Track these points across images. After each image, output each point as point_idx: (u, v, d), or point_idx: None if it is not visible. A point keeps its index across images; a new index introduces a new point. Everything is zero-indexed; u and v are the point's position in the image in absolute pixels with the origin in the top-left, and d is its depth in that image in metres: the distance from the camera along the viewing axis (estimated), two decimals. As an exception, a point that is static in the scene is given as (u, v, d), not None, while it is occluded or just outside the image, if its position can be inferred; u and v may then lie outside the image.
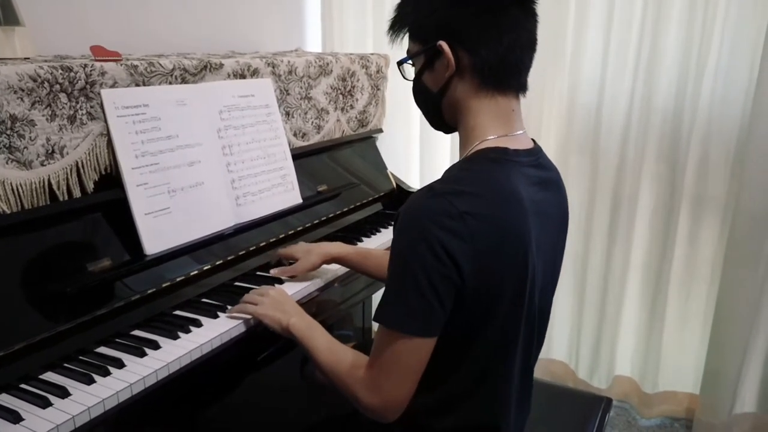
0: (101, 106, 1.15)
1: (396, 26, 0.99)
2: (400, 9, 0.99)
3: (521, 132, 0.98)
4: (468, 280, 0.86)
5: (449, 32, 0.92)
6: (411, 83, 1.03)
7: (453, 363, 0.95)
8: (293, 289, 1.31)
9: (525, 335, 0.97)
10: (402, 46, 1.01)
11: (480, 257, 0.86)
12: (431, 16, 0.94)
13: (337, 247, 1.40)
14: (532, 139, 1.02)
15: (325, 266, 1.39)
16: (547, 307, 1.07)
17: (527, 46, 0.95)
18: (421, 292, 0.86)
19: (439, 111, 1.00)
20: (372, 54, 1.94)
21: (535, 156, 0.98)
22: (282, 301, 1.16)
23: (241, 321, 1.16)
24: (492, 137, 0.94)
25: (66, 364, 1.00)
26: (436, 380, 0.94)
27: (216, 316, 1.18)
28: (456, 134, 1.02)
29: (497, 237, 0.87)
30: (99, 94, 1.15)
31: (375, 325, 0.93)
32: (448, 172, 0.94)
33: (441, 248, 0.84)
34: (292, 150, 1.56)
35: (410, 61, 1.01)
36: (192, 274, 1.25)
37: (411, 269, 0.86)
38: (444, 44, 0.92)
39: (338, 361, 0.99)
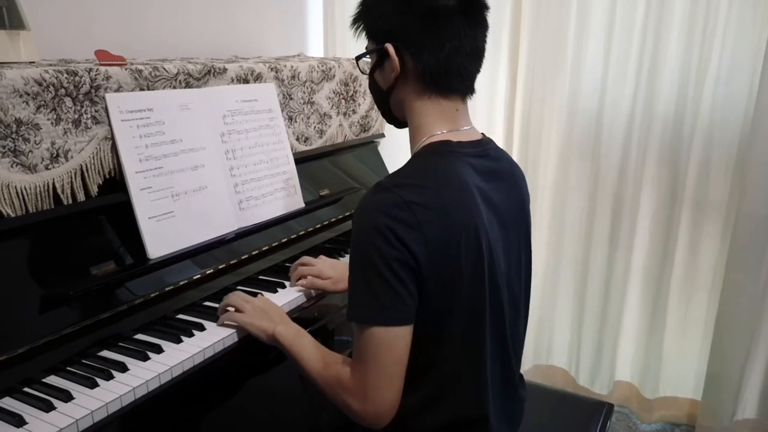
0: (106, 110, 1.15)
1: (354, 24, 1.05)
2: (357, 8, 1.05)
3: (468, 127, 1.03)
4: (424, 267, 0.89)
5: (394, 36, 0.98)
6: None
7: (428, 356, 0.95)
8: (294, 295, 1.31)
9: (493, 321, 0.98)
10: None
11: (431, 244, 0.88)
12: (379, 19, 1.00)
13: None
14: (482, 133, 1.05)
15: None
16: (519, 296, 1.07)
17: (471, 54, 0.98)
18: (385, 281, 0.88)
19: (388, 107, 1.07)
20: (374, 59, 1.95)
21: (482, 147, 1.01)
22: (266, 309, 1.14)
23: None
24: (438, 133, 0.99)
25: (69, 368, 1.00)
26: (416, 377, 0.95)
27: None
28: None
29: (445, 224, 0.90)
30: (104, 98, 1.15)
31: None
32: (397, 169, 0.98)
33: (393, 236, 0.87)
34: (294, 154, 1.57)
35: (367, 57, 1.07)
36: (195, 277, 1.25)
37: (370, 261, 0.88)
38: (390, 47, 0.98)
39: (333, 373, 0.97)
